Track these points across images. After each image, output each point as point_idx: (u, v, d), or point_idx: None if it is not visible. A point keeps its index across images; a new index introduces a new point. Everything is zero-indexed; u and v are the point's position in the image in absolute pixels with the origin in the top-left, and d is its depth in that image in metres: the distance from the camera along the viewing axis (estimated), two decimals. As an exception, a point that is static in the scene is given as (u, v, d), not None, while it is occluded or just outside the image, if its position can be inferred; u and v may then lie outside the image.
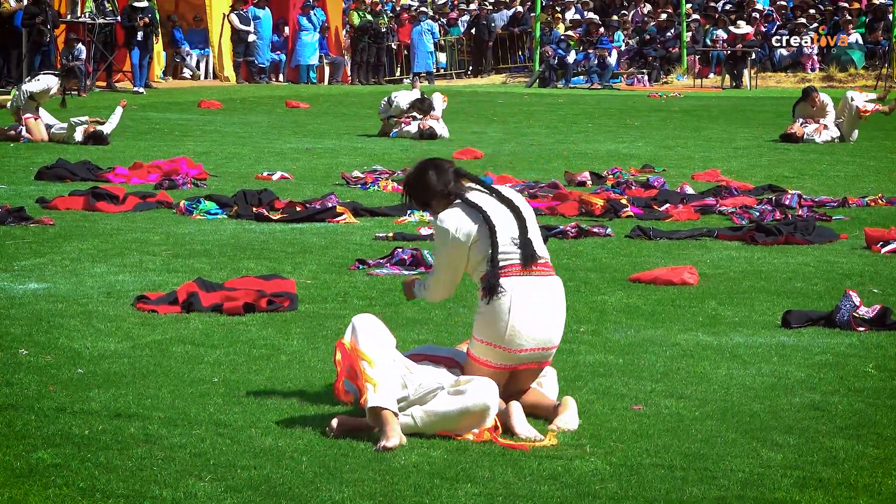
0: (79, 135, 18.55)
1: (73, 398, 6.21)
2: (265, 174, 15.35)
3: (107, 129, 18.75)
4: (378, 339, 5.82)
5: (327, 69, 37.17)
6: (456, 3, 41.82)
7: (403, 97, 21.20)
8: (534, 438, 5.72)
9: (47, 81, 18.88)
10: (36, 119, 18.75)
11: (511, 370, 6.03)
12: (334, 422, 5.75)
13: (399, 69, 38.13)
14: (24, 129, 18.67)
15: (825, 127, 20.30)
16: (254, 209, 12.27)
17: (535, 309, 5.96)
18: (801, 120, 20.43)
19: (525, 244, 5.99)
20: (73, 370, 6.72)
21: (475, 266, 5.98)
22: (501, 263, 5.94)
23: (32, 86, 18.75)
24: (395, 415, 5.66)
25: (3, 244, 10.51)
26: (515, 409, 5.87)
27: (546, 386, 6.24)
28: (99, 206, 12.42)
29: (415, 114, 20.88)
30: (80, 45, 29.51)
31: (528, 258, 5.99)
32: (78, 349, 7.17)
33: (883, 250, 10.62)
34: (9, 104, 18.89)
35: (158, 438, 5.63)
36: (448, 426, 5.74)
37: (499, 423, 5.78)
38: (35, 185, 14.34)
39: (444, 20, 40.16)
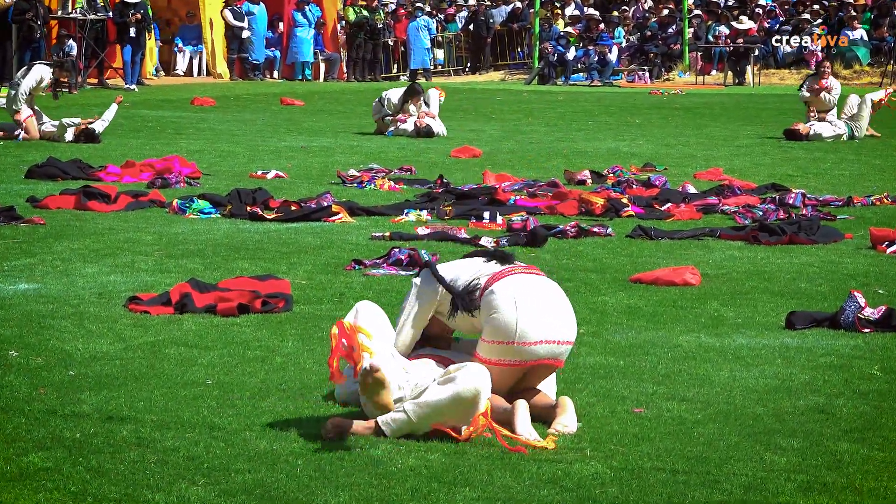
0: (69, 135, 18.48)
1: (64, 401, 6.15)
2: (260, 173, 15.28)
3: (101, 125, 18.69)
4: (379, 327, 5.78)
5: (322, 66, 37.13)
6: (454, -2, 41.83)
7: (395, 93, 21.20)
8: (534, 441, 5.63)
9: (40, 72, 18.78)
10: (33, 117, 18.68)
11: (525, 367, 5.95)
12: (330, 423, 5.67)
13: (396, 66, 38.10)
14: (22, 132, 18.55)
15: (825, 116, 20.30)
16: (248, 208, 12.19)
17: (539, 301, 5.92)
18: (806, 93, 20.43)
19: (493, 251, 6.13)
20: (65, 372, 6.66)
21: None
22: (485, 277, 5.95)
23: (27, 82, 18.63)
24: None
25: (-7, 243, 10.45)
26: (521, 408, 5.79)
27: (543, 386, 6.16)
28: (90, 206, 12.33)
29: (411, 107, 20.79)
30: (70, 41, 29.44)
31: (504, 257, 6.08)
32: (69, 351, 7.10)
33: (888, 250, 10.56)
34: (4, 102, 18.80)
35: (151, 442, 5.57)
36: (441, 417, 5.65)
37: (490, 408, 5.69)
38: (25, 183, 14.27)
39: (441, 16, 40.13)
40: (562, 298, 6.02)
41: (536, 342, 5.87)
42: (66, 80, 19.12)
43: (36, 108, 18.81)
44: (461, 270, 6.03)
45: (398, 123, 20.82)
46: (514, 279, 5.94)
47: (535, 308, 5.88)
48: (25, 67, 19.12)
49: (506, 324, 5.85)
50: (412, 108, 20.83)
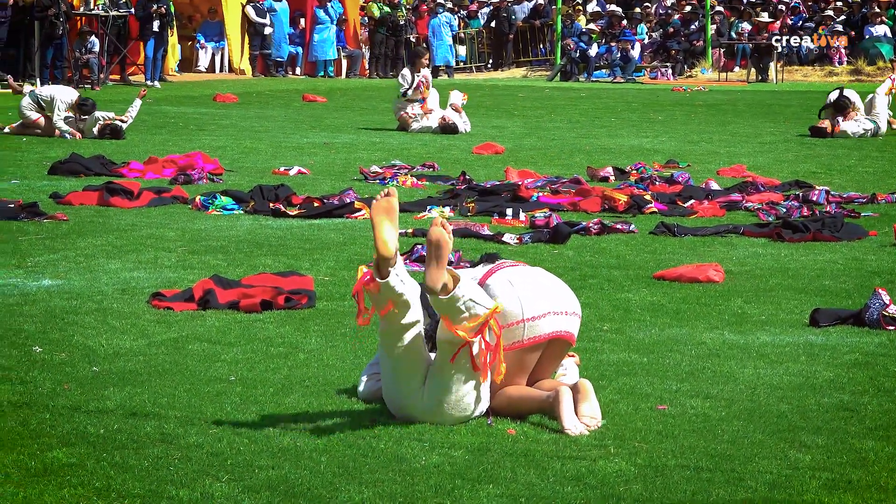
0: (96, 128, 18.52)
1: (88, 397, 6.15)
2: (282, 169, 15.28)
3: (126, 122, 18.72)
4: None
5: (345, 62, 37.13)
6: (476, -5, 41.81)
7: (409, 70, 21.46)
8: (579, 434, 5.66)
9: (66, 108, 18.71)
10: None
11: (540, 344, 5.96)
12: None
13: (418, 62, 38.09)
14: (72, 136, 18.58)
15: (855, 115, 20.27)
16: (270, 205, 12.19)
17: (534, 280, 6.04)
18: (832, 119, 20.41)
19: (481, 257, 6.30)
20: (88, 368, 6.66)
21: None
22: (477, 280, 6.00)
23: (61, 115, 18.57)
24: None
25: (16, 240, 10.45)
26: (565, 398, 5.77)
27: (567, 379, 6.20)
28: (113, 202, 12.35)
29: (420, 73, 20.85)
30: (93, 37, 29.49)
31: (490, 257, 6.28)
32: (93, 347, 7.10)
33: (912, 247, 10.50)
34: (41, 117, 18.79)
35: (175, 438, 5.56)
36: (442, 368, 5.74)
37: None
38: (48, 180, 14.31)
39: (464, 12, 40.11)
40: (554, 277, 6.14)
41: (544, 314, 5.92)
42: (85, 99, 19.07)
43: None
44: None
45: (420, 117, 20.83)
46: (504, 271, 6.07)
47: (531, 285, 5.99)
48: (50, 96, 18.90)
49: (509, 305, 5.89)
50: (422, 73, 20.86)
